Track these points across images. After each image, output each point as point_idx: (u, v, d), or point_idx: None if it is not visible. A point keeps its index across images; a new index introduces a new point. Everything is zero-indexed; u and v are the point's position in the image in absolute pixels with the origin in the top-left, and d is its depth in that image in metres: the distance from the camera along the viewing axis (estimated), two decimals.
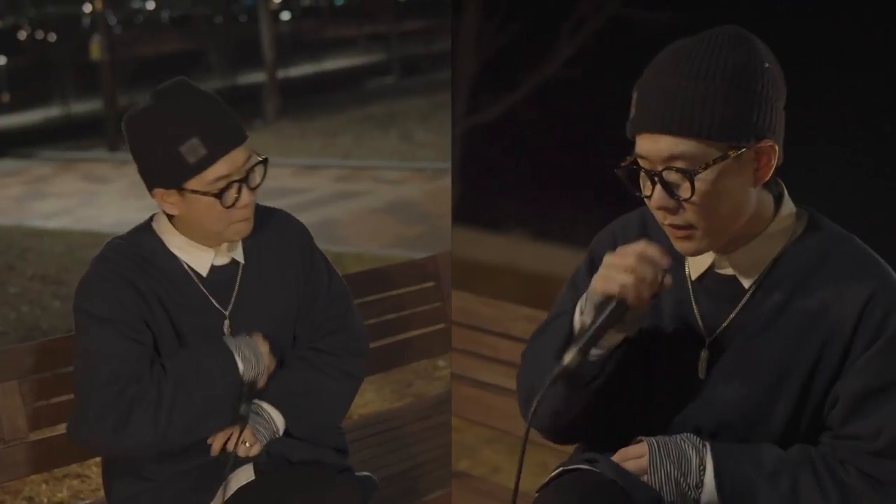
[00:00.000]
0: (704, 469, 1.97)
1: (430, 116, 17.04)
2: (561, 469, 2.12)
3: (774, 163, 1.91)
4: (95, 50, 18.55)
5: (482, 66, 3.42)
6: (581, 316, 2.01)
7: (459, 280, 3.52)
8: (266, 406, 2.50)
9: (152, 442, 2.36)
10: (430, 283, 3.66)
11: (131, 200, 11.60)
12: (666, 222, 1.94)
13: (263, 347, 2.46)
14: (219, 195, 2.32)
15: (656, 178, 1.89)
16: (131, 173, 2.34)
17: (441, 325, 3.65)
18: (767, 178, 1.92)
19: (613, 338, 1.99)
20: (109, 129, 17.27)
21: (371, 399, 5.04)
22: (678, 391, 2.06)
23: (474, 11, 3.71)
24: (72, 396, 2.59)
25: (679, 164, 1.86)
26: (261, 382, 2.47)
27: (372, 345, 2.82)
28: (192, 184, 2.32)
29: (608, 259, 1.95)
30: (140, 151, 2.36)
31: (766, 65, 1.88)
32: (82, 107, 21.02)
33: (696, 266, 2.06)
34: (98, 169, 15.32)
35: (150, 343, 2.41)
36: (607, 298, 1.91)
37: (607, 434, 2.13)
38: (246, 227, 2.42)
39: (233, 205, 2.33)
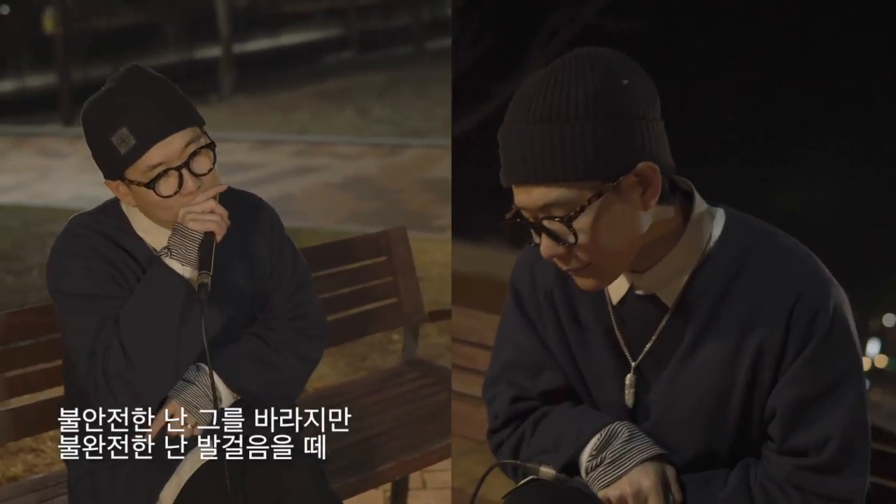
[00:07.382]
0: None
1: (387, 91, 17.00)
2: (531, 477, 2.13)
3: (660, 181, 1.79)
4: (49, 23, 18.27)
5: (456, 78, 3.42)
6: (590, 460, 1.97)
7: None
8: (207, 377, 2.46)
9: (138, 391, 2.35)
10: (383, 258, 3.70)
11: (87, 175, 11.42)
12: (563, 268, 1.86)
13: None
14: (152, 184, 2.29)
15: (538, 228, 1.81)
16: (86, 148, 2.34)
17: (394, 300, 3.69)
18: (657, 197, 1.80)
19: None
20: (64, 104, 17.05)
21: (326, 373, 5.06)
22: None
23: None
24: (22, 371, 2.61)
25: (555, 212, 1.77)
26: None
27: (327, 319, 2.83)
28: (130, 173, 2.31)
29: None
30: (88, 142, 2.36)
31: (625, 82, 1.75)
32: (36, 81, 20.73)
33: (616, 290, 1.97)
34: (53, 144, 15.15)
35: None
36: None
37: None
38: None
39: (174, 193, 2.31)
